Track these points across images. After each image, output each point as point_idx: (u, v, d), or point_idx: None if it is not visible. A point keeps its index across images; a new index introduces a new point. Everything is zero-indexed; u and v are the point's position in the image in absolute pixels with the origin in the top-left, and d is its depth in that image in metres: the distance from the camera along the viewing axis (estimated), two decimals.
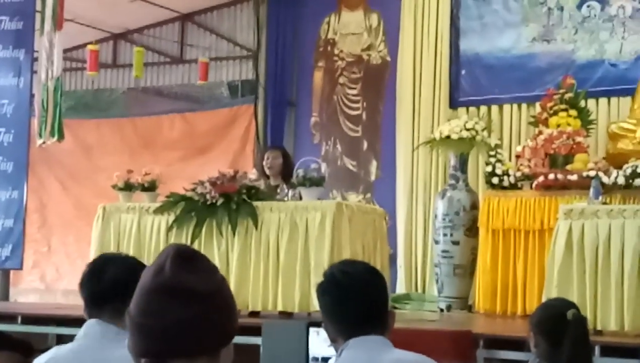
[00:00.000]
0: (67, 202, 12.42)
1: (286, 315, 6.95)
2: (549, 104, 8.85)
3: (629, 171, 7.92)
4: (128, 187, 7.74)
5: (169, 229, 7.31)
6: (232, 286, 5.10)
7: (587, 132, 8.76)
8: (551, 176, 8.24)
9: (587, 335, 3.48)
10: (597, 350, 5.41)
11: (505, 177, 8.53)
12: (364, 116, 10.97)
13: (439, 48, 10.34)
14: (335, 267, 2.61)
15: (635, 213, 6.19)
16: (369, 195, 10.80)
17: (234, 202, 7.06)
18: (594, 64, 9.49)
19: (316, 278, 5.56)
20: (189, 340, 1.54)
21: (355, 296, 2.51)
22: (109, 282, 2.60)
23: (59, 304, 9.34)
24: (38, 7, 8.84)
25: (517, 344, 5.68)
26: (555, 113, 8.75)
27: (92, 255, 7.16)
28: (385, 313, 2.56)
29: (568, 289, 6.08)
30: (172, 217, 7.33)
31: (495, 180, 8.57)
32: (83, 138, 12.39)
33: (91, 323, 2.60)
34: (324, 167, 7.60)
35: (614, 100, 9.35)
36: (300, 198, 7.12)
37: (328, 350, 2.80)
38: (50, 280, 12.43)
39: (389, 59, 10.83)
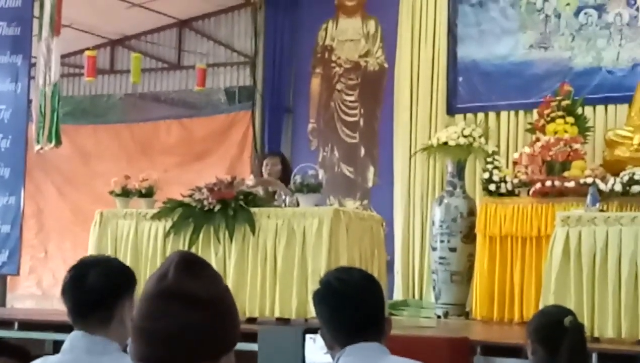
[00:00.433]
0: (64, 208, 12.39)
1: (283, 321, 6.94)
2: (546, 111, 8.84)
3: (626, 178, 7.92)
4: (125, 193, 7.75)
5: (166, 235, 7.31)
6: None
7: (584, 139, 8.77)
8: (548, 183, 8.24)
9: (584, 342, 3.47)
10: (594, 357, 5.40)
11: (503, 184, 8.52)
12: (361, 122, 10.97)
13: (436, 55, 10.33)
14: (332, 274, 2.61)
15: (632, 221, 6.19)
16: (366, 201, 10.79)
17: (231, 208, 7.06)
18: (591, 71, 9.50)
19: (313, 284, 5.54)
20: (191, 346, 1.54)
21: (352, 303, 2.50)
22: (91, 291, 2.48)
23: (56, 310, 9.27)
24: (36, 12, 8.83)
25: (514, 351, 5.67)
26: (553, 120, 8.75)
27: None
28: (382, 320, 2.56)
29: (565, 296, 6.09)
30: (169, 223, 7.33)
31: (492, 187, 8.56)
32: (80, 144, 12.37)
33: (77, 337, 2.48)
34: (321, 173, 7.59)
35: (611, 107, 9.35)
36: (298, 204, 7.12)
37: (324, 357, 2.78)
38: (47, 286, 12.39)
39: (386, 65, 10.82)
